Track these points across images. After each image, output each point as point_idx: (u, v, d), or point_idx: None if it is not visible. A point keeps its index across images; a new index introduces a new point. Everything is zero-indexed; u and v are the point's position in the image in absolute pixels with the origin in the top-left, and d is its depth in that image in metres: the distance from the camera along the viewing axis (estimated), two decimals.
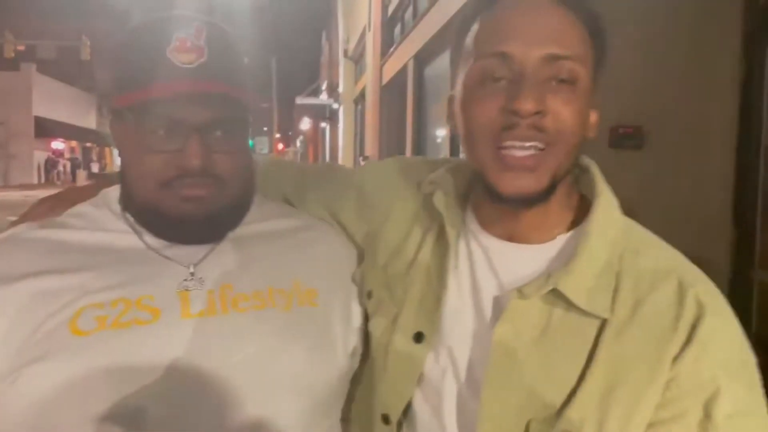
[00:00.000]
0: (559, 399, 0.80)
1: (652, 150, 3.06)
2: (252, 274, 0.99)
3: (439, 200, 0.96)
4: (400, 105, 10.09)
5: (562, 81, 0.80)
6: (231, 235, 1.03)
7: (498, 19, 0.83)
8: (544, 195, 0.82)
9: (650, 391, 0.76)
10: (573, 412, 0.78)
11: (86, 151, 41.69)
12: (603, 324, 0.80)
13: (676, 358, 0.76)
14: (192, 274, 0.96)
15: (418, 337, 0.93)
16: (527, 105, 0.77)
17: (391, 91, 11.08)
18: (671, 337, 0.77)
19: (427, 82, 8.82)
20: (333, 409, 1.02)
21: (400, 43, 10.06)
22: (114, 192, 1.06)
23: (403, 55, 9.55)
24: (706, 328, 0.77)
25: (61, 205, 1.06)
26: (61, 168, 34.89)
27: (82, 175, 38.00)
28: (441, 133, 7.97)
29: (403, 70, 9.67)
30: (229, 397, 0.88)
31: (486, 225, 0.93)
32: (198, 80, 0.90)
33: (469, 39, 0.87)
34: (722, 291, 2.90)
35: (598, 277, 0.81)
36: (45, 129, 32.21)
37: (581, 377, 0.79)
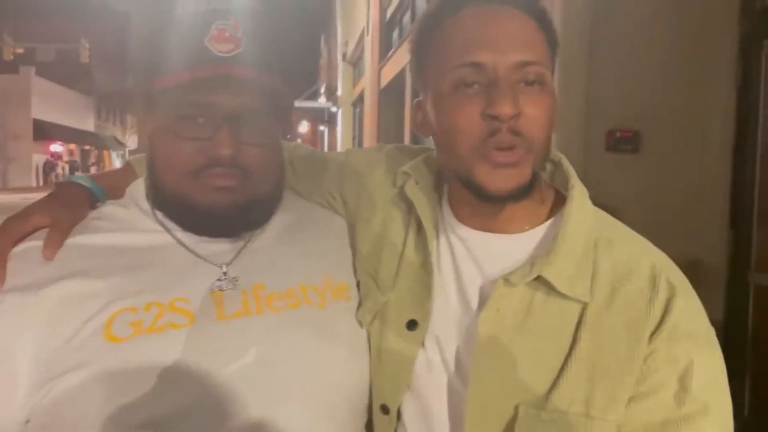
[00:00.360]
0: (545, 382, 0.84)
1: (649, 153, 3.07)
2: (284, 272, 0.99)
3: (411, 190, 0.99)
4: (399, 108, 10.10)
5: (530, 83, 0.84)
6: (260, 229, 1.02)
7: (465, 28, 0.86)
8: (527, 189, 0.86)
9: (630, 367, 0.81)
10: (561, 393, 0.82)
11: (85, 154, 41.69)
12: (583, 308, 0.84)
13: (652, 335, 0.81)
14: (225, 273, 0.95)
15: (411, 325, 0.95)
16: (506, 109, 0.81)
17: (390, 94, 11.09)
18: (647, 316, 0.82)
19: None
20: (364, 408, 1.01)
21: (398, 46, 10.07)
22: (140, 188, 1.04)
23: (402, 58, 9.56)
24: (677, 307, 0.82)
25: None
26: (59, 171, 34.88)
27: None
28: None
29: (401, 74, 9.68)
30: (269, 398, 0.87)
31: (461, 217, 0.96)
32: (233, 67, 0.90)
33: (437, 48, 0.89)
34: (719, 293, 2.93)
35: (577, 264, 0.86)
36: (44, 132, 32.22)
37: (566, 360, 0.83)
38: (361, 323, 1.02)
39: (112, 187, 1.08)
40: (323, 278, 1.01)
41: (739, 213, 3.01)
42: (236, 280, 0.94)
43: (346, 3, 18.08)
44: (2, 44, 25.40)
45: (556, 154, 0.96)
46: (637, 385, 0.81)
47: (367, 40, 13.16)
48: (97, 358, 0.83)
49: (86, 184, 1.07)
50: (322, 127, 26.58)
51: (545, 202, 0.94)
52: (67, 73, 36.52)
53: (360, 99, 15.19)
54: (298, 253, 1.03)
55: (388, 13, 11.43)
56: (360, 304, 1.03)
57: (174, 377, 0.84)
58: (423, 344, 0.94)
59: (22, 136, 30.93)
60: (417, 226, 1.00)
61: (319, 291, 0.99)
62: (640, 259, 0.86)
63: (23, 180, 30.96)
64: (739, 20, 2.95)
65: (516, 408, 0.83)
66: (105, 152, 45.90)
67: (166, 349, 0.85)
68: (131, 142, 43.96)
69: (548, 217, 0.93)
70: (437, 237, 0.97)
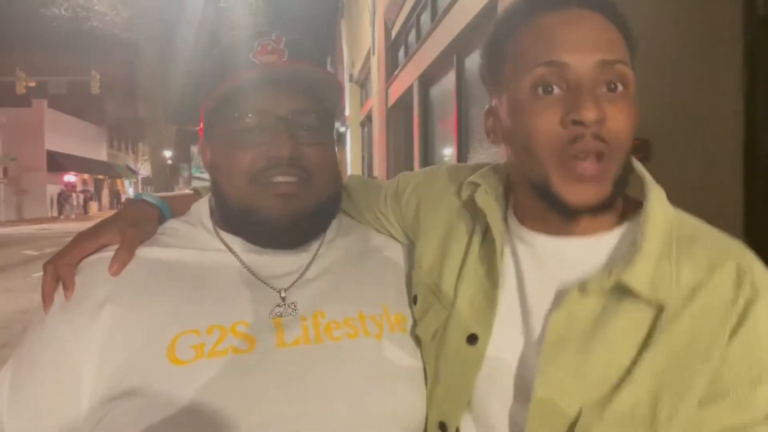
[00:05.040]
0: (612, 381, 0.80)
1: (659, 162, 3.06)
2: (342, 299, 0.98)
3: (481, 199, 0.96)
4: (407, 125, 10.14)
5: (613, 87, 0.81)
6: (319, 254, 1.02)
7: (544, 27, 0.82)
8: (609, 202, 0.83)
9: (704, 369, 0.77)
10: (626, 394, 0.78)
11: (98, 184, 42.11)
12: (660, 310, 0.80)
13: (730, 337, 0.77)
14: (283, 299, 0.95)
15: (472, 340, 0.91)
16: (591, 114, 0.77)
17: (398, 112, 11.15)
18: (726, 318, 0.78)
19: (433, 102, 8.87)
20: None
21: (404, 65, 10.14)
22: (204, 207, 1.05)
23: (408, 76, 9.62)
24: (759, 310, 0.77)
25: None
26: (74, 201, 35.23)
27: (94, 207, 38.38)
28: (448, 151, 8.00)
29: (408, 92, 9.74)
30: (326, 428, 0.86)
31: (528, 225, 0.92)
32: (280, 69, 0.93)
33: (515, 49, 0.85)
34: None
35: (656, 266, 0.81)
36: (57, 163, 32.65)
37: (635, 360, 0.79)
38: (419, 340, 0.99)
39: (178, 209, 1.09)
40: (381, 307, 1.00)
41: (753, 218, 2.99)
42: (295, 306, 0.94)
43: (351, 25, 18.26)
44: (14, 78, 25.85)
45: None
46: (708, 386, 0.77)
47: (374, 60, 13.27)
48: (159, 380, 0.83)
49: (154, 201, 1.08)
50: None
51: (617, 206, 0.90)
52: (78, 104, 37.04)
53: (368, 118, 15.27)
54: (356, 281, 1.02)
55: (393, 33, 11.52)
56: (419, 320, 1.00)
57: (235, 403, 0.83)
58: (483, 360, 0.90)
59: (36, 168, 31.35)
60: (482, 237, 0.98)
61: (376, 321, 0.98)
62: (725, 258, 0.81)
63: (38, 211, 31.29)
64: (743, 27, 2.96)
65: (579, 410, 0.80)
66: (118, 181, 46.38)
67: (228, 374, 0.85)
68: (144, 169, 44.42)
69: (620, 220, 0.89)
70: (503, 243, 0.94)
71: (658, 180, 0.92)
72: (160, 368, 0.84)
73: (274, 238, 0.97)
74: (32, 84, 28.54)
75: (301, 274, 0.99)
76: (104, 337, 0.86)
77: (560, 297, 0.86)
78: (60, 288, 0.92)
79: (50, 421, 0.86)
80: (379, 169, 12.47)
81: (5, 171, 29.88)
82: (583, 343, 0.82)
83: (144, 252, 0.96)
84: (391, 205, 1.14)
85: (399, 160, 11.06)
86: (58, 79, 33.22)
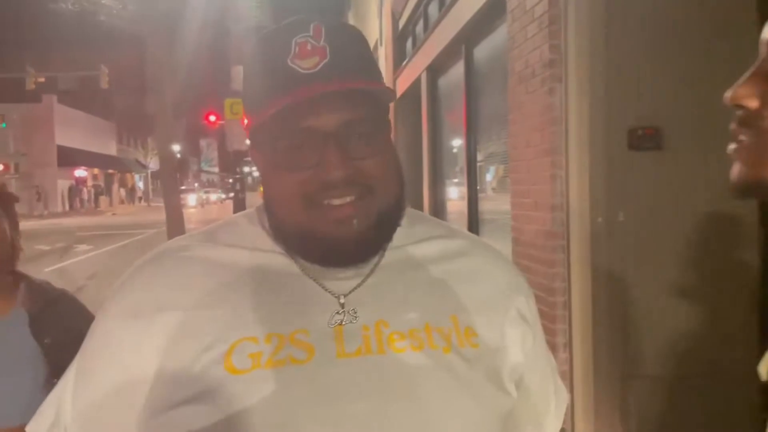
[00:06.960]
0: None
1: (672, 151, 3.03)
2: (407, 309, 0.91)
3: None
4: (415, 116, 10.11)
5: None
6: (383, 261, 0.95)
7: None
8: None
9: None
10: None
11: (108, 178, 42.38)
12: None
13: None
14: (342, 305, 0.89)
15: None
16: None
17: (406, 103, 11.12)
18: None
19: (441, 93, 8.83)
20: None
21: (412, 56, 10.10)
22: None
23: (417, 67, 9.58)
24: None
25: None
26: (85, 196, 35.50)
27: (105, 201, 38.65)
28: (457, 142, 7.97)
29: (416, 83, 9.70)
30: None
31: None
32: (324, 83, 0.82)
33: None
34: (754, 290, 2.85)
35: None
36: (68, 158, 32.88)
37: None
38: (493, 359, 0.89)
39: None
40: (450, 319, 0.93)
41: None
42: (355, 313, 0.89)
43: (358, 17, 18.20)
44: (24, 74, 25.99)
45: None
46: None
47: (381, 51, 13.22)
48: (216, 390, 0.81)
49: None
50: None
51: None
52: (88, 99, 37.23)
53: None
54: (422, 289, 0.95)
55: (401, 24, 11.48)
56: None
57: (291, 416, 0.80)
58: None
59: (46, 163, 31.59)
60: None
61: (443, 333, 0.91)
62: None
63: (49, 206, 31.53)
64: (758, 18, 2.92)
65: None
66: (128, 175, 46.65)
67: (285, 386, 0.81)
68: (153, 164, 44.64)
69: None
70: None
71: (671, 170, 0.87)
72: (217, 377, 0.81)
73: (335, 260, 0.89)
74: (42, 80, 28.67)
75: (363, 280, 0.92)
76: (162, 346, 0.84)
77: None
78: (129, 282, 0.91)
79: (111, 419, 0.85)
80: None
81: (16, 166, 30.11)
82: None
83: (206, 251, 0.93)
84: None
85: (408, 151, 11.05)
86: (68, 74, 33.35)
